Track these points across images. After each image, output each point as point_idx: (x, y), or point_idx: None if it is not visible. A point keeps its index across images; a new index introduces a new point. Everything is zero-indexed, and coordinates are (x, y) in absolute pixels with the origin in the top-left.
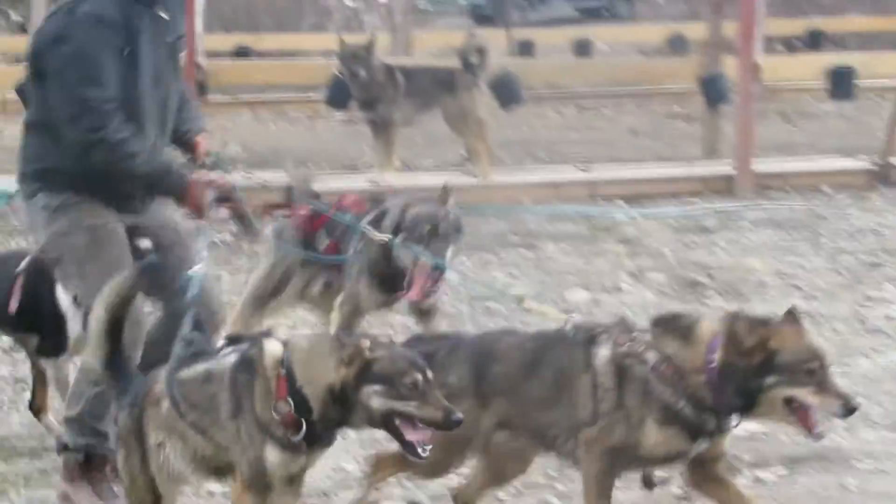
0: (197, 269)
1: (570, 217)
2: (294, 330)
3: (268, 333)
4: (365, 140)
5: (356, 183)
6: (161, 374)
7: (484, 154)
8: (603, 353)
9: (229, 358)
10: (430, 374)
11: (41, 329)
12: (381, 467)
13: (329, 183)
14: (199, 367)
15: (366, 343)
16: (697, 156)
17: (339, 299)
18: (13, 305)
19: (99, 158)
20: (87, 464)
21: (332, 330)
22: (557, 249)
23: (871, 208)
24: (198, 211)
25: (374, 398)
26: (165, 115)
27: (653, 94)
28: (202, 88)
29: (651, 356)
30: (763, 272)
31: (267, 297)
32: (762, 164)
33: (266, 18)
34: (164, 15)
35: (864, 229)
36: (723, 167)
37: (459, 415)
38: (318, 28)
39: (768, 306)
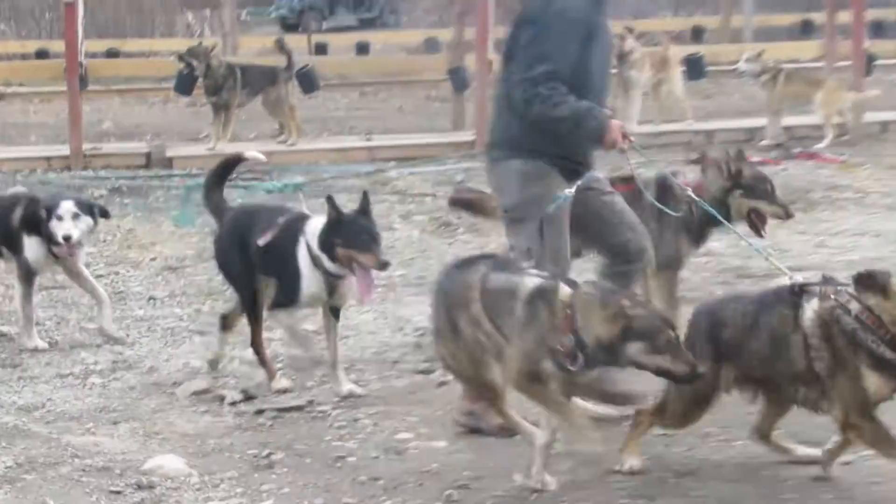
0: (566, 192)
1: (355, 174)
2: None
3: (561, 276)
4: (204, 118)
5: (199, 150)
6: (474, 279)
7: (294, 128)
8: (810, 310)
9: (529, 280)
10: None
11: (278, 275)
12: (641, 421)
13: (178, 150)
14: (506, 279)
15: (626, 302)
16: (448, 128)
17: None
18: (263, 241)
19: (534, 111)
20: None
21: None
22: (347, 199)
23: None
24: (612, 146)
25: (637, 354)
26: (605, 91)
27: (414, 82)
28: (83, 81)
29: (854, 307)
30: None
31: None
32: None
33: (130, 27)
34: (606, 15)
35: None
36: (466, 136)
37: (703, 368)
38: (168, 34)
39: (502, 239)
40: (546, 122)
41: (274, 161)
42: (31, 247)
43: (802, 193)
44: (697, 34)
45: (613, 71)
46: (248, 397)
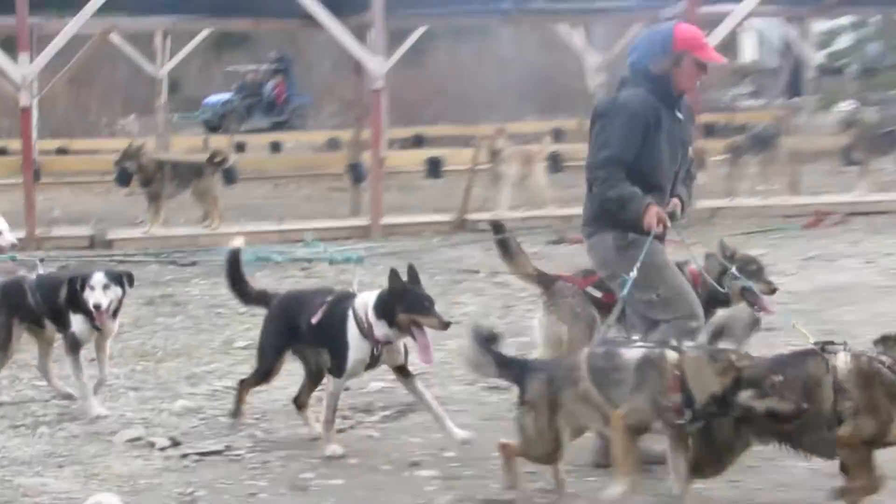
0: (631, 274)
1: (269, 253)
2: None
3: (668, 343)
4: (140, 206)
5: (135, 233)
6: (579, 360)
7: (216, 214)
8: (842, 361)
9: (635, 352)
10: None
11: (330, 347)
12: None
13: (118, 233)
14: (614, 354)
15: (733, 356)
16: (347, 214)
17: None
18: (315, 319)
19: (594, 190)
20: None
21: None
22: (260, 274)
23: (454, 245)
24: (649, 229)
25: (749, 400)
26: (675, 182)
27: (320, 175)
28: (37, 175)
29: (885, 359)
30: None
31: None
32: (387, 219)
33: (77, 128)
34: (679, 115)
35: (450, 258)
36: (363, 221)
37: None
38: (110, 135)
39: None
40: (602, 201)
41: (199, 243)
42: (78, 322)
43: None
44: (558, 135)
45: (487, 167)
46: (175, 443)
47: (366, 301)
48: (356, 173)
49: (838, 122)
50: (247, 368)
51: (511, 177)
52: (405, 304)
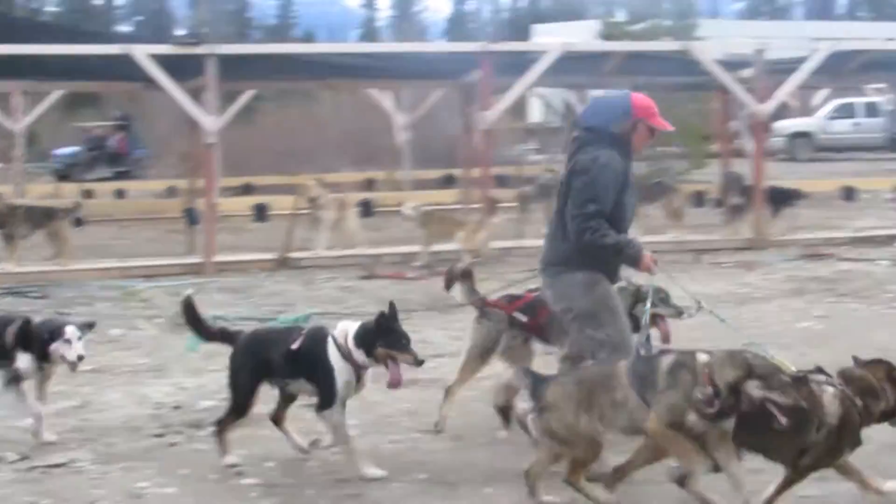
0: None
1: (113, 287)
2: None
3: (696, 349)
4: None
5: None
6: (617, 368)
7: (67, 252)
8: (829, 394)
9: (667, 358)
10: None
11: (314, 375)
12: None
13: None
14: (648, 362)
15: (749, 355)
16: (183, 252)
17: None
18: (294, 345)
19: (585, 239)
20: None
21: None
22: (104, 306)
23: (278, 280)
24: (648, 270)
25: (754, 389)
26: (631, 221)
27: (160, 218)
28: None
29: (858, 402)
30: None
31: (487, 355)
32: (219, 257)
33: None
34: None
35: (274, 293)
36: (197, 259)
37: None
38: None
39: None
40: (594, 249)
41: (50, 278)
42: (24, 360)
43: (442, 300)
44: (370, 184)
45: (307, 212)
46: (24, 457)
47: (345, 330)
48: (191, 217)
49: None
50: (90, 390)
51: (328, 220)
52: (385, 339)
